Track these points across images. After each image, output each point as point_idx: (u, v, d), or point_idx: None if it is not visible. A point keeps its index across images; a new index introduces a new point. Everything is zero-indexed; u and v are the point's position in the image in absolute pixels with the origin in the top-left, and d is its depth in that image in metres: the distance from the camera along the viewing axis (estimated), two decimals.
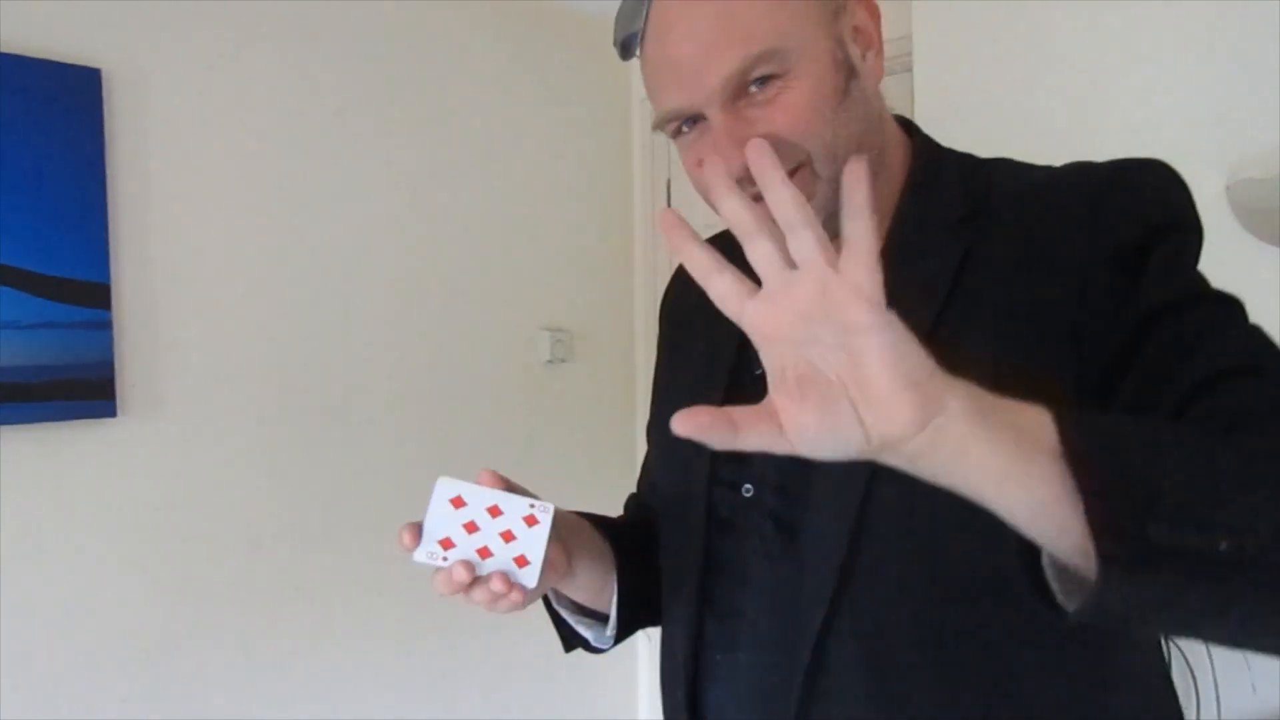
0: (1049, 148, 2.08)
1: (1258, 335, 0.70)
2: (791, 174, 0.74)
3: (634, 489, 1.05)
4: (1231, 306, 0.72)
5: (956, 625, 0.71)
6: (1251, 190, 1.71)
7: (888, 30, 0.79)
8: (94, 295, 1.81)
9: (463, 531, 0.74)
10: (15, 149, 1.72)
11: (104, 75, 1.83)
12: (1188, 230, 0.73)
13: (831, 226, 0.75)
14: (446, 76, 2.42)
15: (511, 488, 0.76)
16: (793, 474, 0.77)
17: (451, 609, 2.36)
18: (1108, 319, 0.69)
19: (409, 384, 2.35)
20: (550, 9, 2.63)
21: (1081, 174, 0.75)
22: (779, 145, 0.72)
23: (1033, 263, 0.71)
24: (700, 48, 0.71)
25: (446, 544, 0.74)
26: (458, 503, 0.74)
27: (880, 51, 0.78)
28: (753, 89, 0.72)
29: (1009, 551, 0.60)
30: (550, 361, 2.63)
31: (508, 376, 2.56)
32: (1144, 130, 1.88)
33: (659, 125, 0.77)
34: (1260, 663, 1.75)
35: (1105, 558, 0.49)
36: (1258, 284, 1.72)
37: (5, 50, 1.72)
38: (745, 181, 0.72)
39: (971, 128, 2.09)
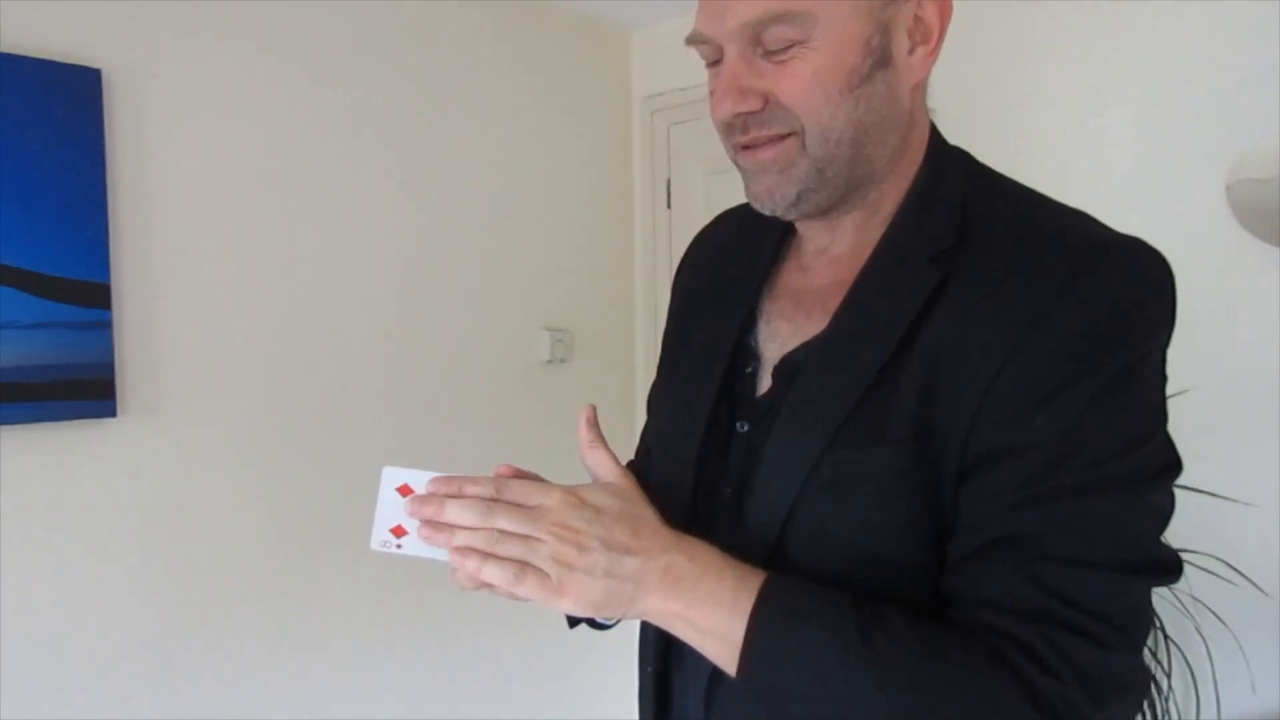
0: (1049, 148, 2.10)
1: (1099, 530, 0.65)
2: (780, 139, 0.74)
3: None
4: (1113, 492, 0.65)
5: None
6: (1251, 190, 1.71)
7: None
8: (94, 295, 1.81)
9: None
10: (15, 149, 1.72)
11: (104, 75, 1.83)
12: (1131, 340, 0.67)
13: (804, 205, 0.77)
14: (447, 76, 2.42)
15: (522, 475, 0.77)
16: (744, 486, 0.78)
17: (453, 609, 2.37)
18: (998, 422, 0.67)
19: (409, 383, 2.35)
20: (550, 9, 2.63)
21: (1059, 246, 0.70)
22: (776, 109, 0.73)
23: (978, 329, 0.69)
24: None
25: (399, 531, 0.75)
26: (405, 490, 0.75)
27: (934, 52, 0.76)
28: (770, 44, 0.72)
29: (914, 578, 0.70)
30: (550, 361, 2.64)
31: (508, 376, 2.56)
32: (1144, 130, 1.88)
33: (689, 41, 0.78)
34: (1260, 662, 1.76)
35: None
36: (1258, 284, 1.72)
37: (5, 50, 1.72)
38: (736, 127, 0.75)
39: (970, 128, 2.09)
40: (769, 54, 0.72)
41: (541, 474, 0.78)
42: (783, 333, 0.82)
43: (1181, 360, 1.73)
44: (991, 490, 0.67)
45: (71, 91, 1.78)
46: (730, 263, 0.91)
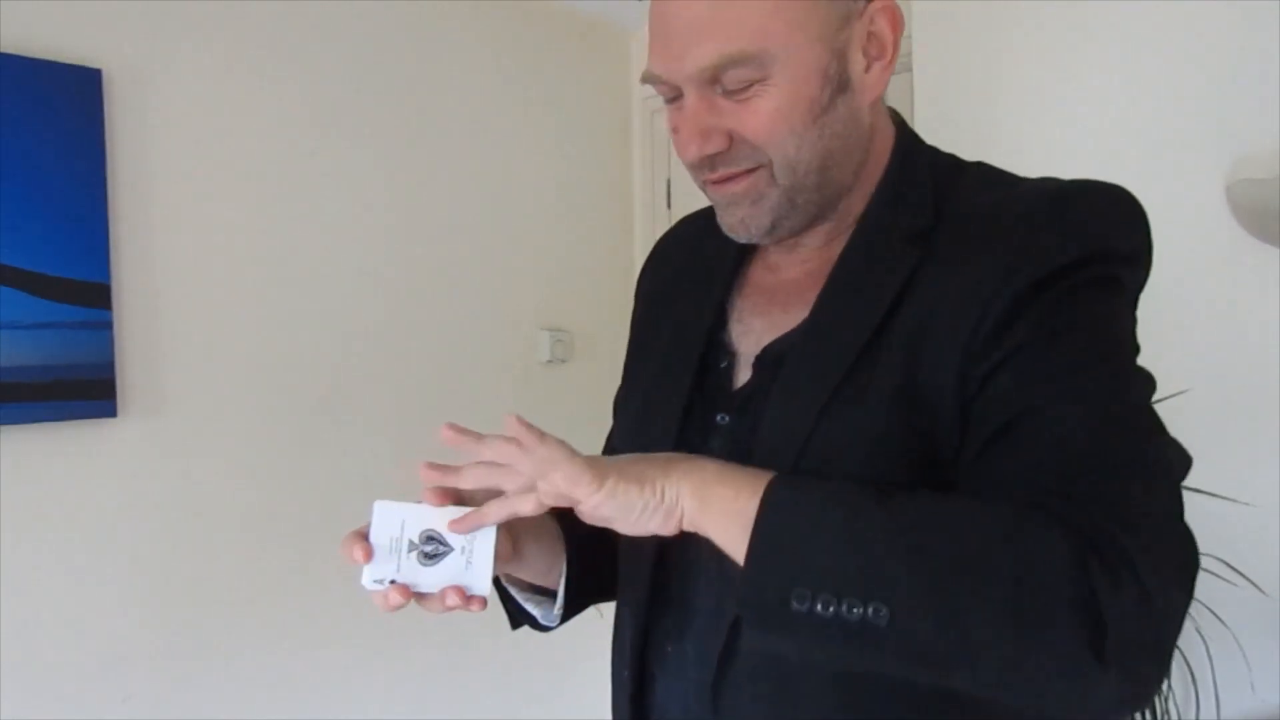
0: (1049, 148, 2.09)
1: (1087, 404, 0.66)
2: (748, 173, 0.75)
3: None
4: (1090, 366, 0.67)
5: None
6: (1251, 190, 1.71)
7: None
8: (94, 295, 1.81)
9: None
10: (15, 149, 1.72)
11: (104, 75, 1.83)
12: (1106, 263, 0.70)
13: (779, 232, 0.78)
14: (447, 76, 2.42)
15: (461, 501, 0.79)
16: None
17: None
18: (982, 359, 0.68)
19: (409, 384, 2.35)
20: (550, 9, 2.63)
21: (1028, 198, 0.72)
22: (742, 146, 0.74)
23: (958, 287, 0.70)
24: (687, 28, 0.71)
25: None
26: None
27: (890, 65, 0.76)
28: (729, 84, 0.72)
29: None
30: (550, 361, 2.64)
31: (508, 376, 2.56)
32: (1144, 130, 1.88)
33: (644, 80, 0.77)
34: (1260, 663, 1.76)
35: (745, 620, 0.66)
36: (1258, 284, 1.73)
37: (5, 50, 1.72)
38: (704, 166, 0.76)
39: (970, 127, 2.09)
40: (729, 93, 0.72)
41: None
42: (757, 328, 0.82)
43: (1181, 360, 1.74)
44: (989, 395, 0.68)
45: (71, 91, 1.78)
46: (693, 265, 0.91)
